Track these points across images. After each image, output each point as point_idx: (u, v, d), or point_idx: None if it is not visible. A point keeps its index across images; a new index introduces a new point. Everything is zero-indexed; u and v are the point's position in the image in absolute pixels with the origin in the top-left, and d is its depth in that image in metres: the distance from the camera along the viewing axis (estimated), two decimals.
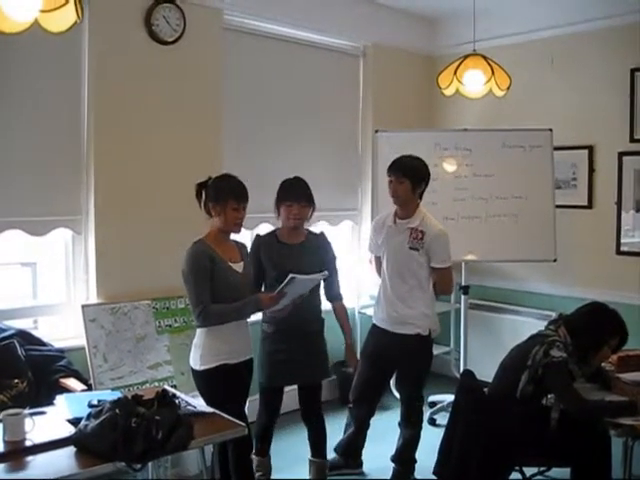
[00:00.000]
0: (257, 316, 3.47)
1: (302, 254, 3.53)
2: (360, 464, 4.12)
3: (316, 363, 3.63)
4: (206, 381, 3.14)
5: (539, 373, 3.08)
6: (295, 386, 3.72)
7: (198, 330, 3.17)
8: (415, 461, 3.90)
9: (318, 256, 3.58)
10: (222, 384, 3.08)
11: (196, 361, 3.16)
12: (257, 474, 3.70)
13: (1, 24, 2.32)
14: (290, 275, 3.08)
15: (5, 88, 3.71)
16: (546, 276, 5.28)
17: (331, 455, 3.96)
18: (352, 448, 4.08)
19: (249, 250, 3.52)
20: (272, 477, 3.72)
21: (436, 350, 3.94)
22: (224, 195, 3.10)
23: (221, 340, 3.12)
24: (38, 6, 2.26)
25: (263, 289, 3.57)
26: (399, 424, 3.95)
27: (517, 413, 3.08)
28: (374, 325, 3.92)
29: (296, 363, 3.53)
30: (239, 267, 3.20)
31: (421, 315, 3.72)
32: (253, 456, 3.72)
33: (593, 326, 3.17)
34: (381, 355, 3.84)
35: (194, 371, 3.18)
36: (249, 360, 3.27)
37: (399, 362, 3.84)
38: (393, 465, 3.94)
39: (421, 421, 3.93)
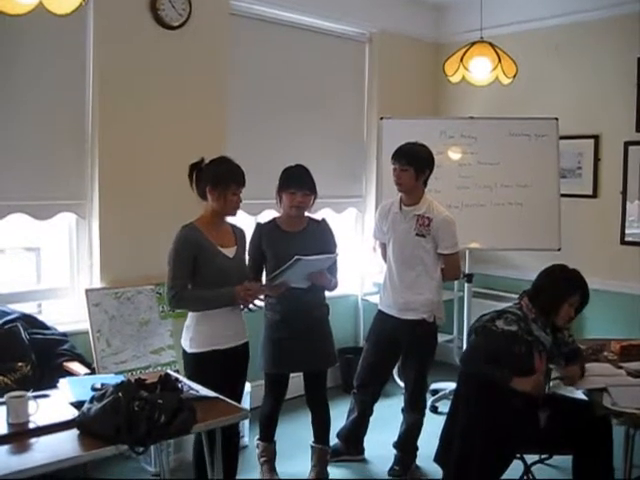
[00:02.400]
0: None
1: (302, 242, 3.48)
2: (362, 451, 4.14)
3: (322, 350, 3.61)
4: (194, 364, 3.14)
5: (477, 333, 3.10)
6: (300, 372, 3.71)
7: (190, 312, 3.17)
8: (417, 448, 3.92)
9: (318, 244, 3.51)
10: (211, 369, 3.07)
11: (186, 343, 3.17)
12: (261, 459, 3.73)
13: (5, 6, 2.31)
14: (295, 257, 3.08)
15: (10, 72, 3.70)
16: None
17: (333, 441, 3.97)
18: (354, 434, 4.09)
19: (250, 238, 3.51)
20: (276, 462, 3.73)
21: (439, 338, 3.94)
22: (225, 180, 3.07)
23: (211, 325, 3.11)
24: None
25: (265, 276, 3.54)
26: (402, 410, 3.96)
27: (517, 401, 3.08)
28: (380, 311, 3.93)
29: (301, 350, 3.52)
30: (230, 252, 3.16)
31: (427, 301, 3.73)
32: (258, 441, 3.75)
33: (549, 285, 3.17)
34: (386, 340, 3.85)
35: (184, 352, 3.19)
36: (242, 345, 3.24)
37: (404, 347, 3.84)
38: (395, 452, 3.95)
39: (425, 407, 3.94)
